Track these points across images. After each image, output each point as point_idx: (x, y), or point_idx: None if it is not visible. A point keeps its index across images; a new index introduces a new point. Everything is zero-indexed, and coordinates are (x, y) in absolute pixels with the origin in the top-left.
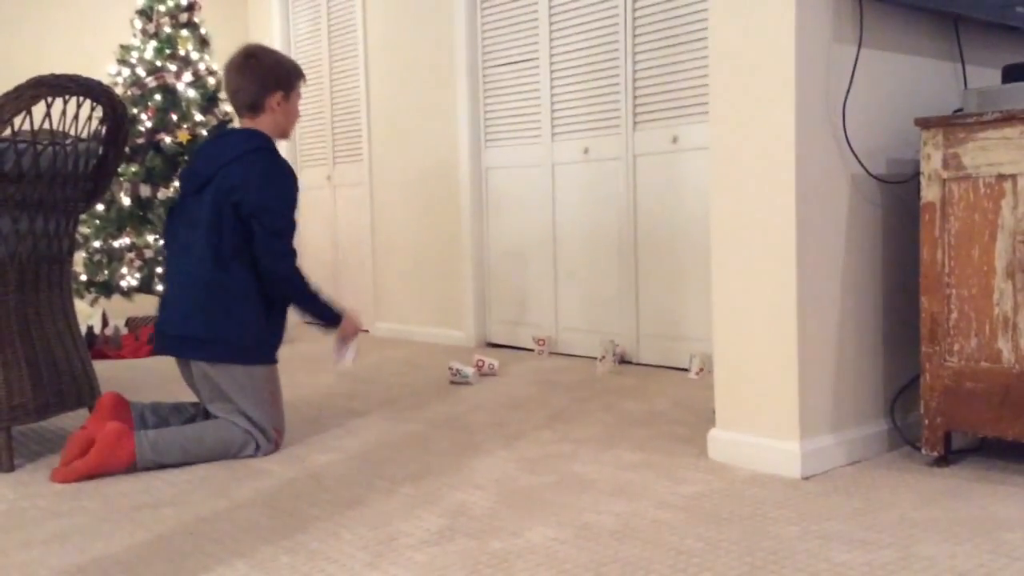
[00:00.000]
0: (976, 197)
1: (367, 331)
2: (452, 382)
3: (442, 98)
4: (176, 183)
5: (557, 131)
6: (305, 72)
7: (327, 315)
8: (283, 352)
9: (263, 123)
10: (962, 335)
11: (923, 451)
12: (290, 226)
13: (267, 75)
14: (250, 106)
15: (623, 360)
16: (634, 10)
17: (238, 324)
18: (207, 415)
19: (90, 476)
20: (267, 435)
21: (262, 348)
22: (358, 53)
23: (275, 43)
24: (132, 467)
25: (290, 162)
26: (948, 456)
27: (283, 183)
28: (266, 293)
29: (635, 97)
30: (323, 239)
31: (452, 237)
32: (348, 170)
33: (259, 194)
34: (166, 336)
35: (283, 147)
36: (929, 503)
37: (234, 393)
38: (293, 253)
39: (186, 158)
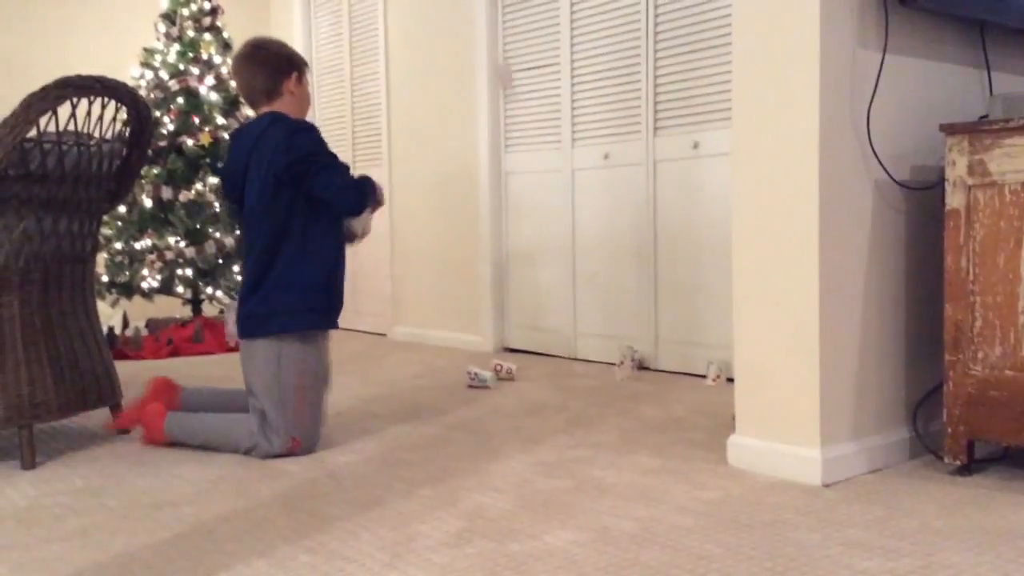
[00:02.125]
0: (1002, 204)
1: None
2: (470, 386)
3: (463, 102)
4: (196, 187)
5: (577, 136)
6: (328, 76)
7: (373, 198)
8: None
9: (281, 107)
10: (986, 343)
11: (945, 460)
12: (334, 159)
13: (279, 60)
14: (267, 92)
15: (641, 366)
16: (656, 15)
17: (281, 294)
18: None
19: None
20: (275, 440)
21: (301, 313)
22: (379, 57)
23: (297, 47)
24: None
25: None
26: (971, 465)
27: (308, 134)
28: (315, 263)
29: (656, 102)
30: None
31: (471, 241)
32: (367, 173)
33: (292, 151)
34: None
35: None
36: (951, 512)
37: (258, 386)
38: (345, 175)
39: (207, 161)
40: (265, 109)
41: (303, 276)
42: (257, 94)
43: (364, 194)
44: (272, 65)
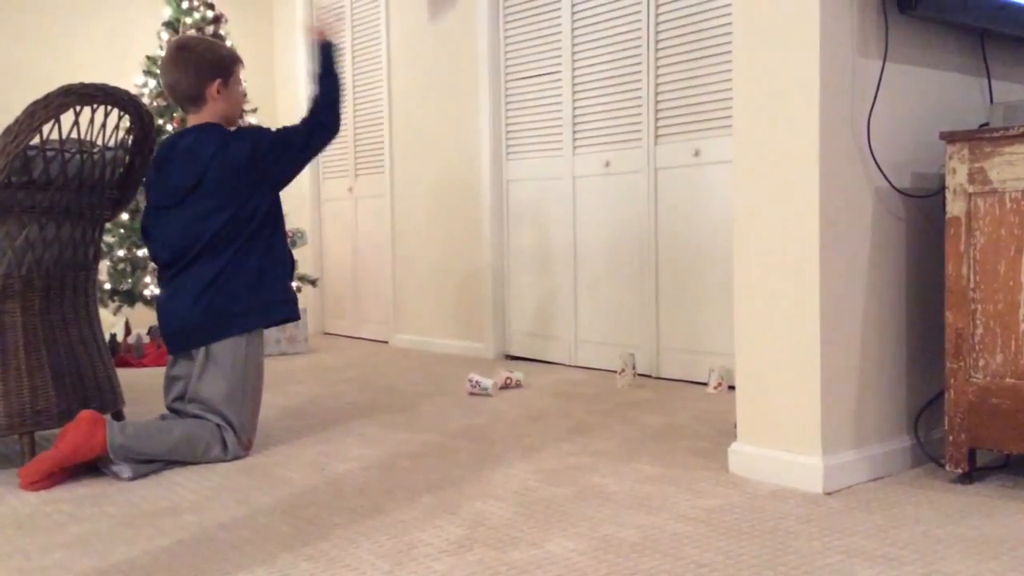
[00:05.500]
0: (1002, 212)
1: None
2: (471, 393)
3: (464, 110)
4: None
5: (579, 144)
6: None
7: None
8: (300, 360)
9: (207, 114)
10: (987, 351)
11: (947, 468)
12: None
13: (202, 64)
14: (191, 99)
15: (639, 373)
16: (657, 23)
17: (230, 298)
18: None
19: (61, 465)
20: (239, 437)
21: (252, 313)
22: (381, 66)
23: (299, 56)
24: (105, 455)
25: (311, 173)
26: (972, 473)
27: (257, 132)
28: (261, 264)
29: (657, 110)
30: (344, 250)
31: (472, 249)
32: (369, 182)
33: (253, 144)
34: (171, 334)
35: None
36: (953, 520)
37: (222, 392)
38: (309, 131)
39: None
40: (192, 117)
41: (274, 270)
42: (182, 99)
43: (334, 110)
44: (195, 70)
